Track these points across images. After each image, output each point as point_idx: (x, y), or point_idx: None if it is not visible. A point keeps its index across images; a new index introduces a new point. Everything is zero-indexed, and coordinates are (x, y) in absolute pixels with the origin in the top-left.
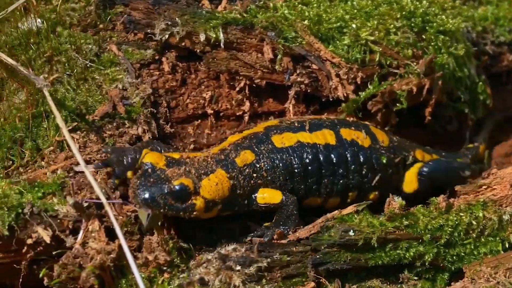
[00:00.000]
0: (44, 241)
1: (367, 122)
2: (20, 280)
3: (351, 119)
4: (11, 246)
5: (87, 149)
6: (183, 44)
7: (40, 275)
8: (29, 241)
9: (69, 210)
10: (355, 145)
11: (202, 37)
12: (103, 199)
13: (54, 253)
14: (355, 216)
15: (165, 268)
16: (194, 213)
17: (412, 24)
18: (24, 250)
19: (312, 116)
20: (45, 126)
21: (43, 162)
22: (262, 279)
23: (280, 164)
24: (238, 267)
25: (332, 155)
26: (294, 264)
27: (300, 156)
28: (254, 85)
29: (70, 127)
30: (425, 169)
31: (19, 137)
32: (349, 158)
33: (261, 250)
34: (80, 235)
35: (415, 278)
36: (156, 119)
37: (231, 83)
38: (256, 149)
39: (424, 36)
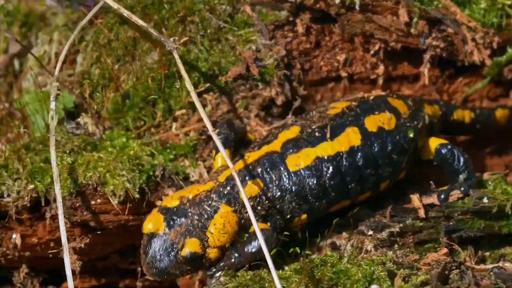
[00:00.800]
0: None
1: (383, 93)
2: None
3: (369, 95)
4: (142, 208)
5: (218, 110)
6: (317, 6)
7: None
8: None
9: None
10: (382, 134)
11: None
12: (230, 165)
13: None
14: (490, 183)
15: None
16: (214, 261)
17: None
18: None
19: (337, 104)
20: (177, 86)
21: (175, 123)
22: (394, 244)
23: (293, 189)
24: (370, 232)
25: (358, 158)
26: (427, 230)
27: (318, 176)
28: (389, 48)
29: (202, 88)
30: (444, 150)
31: (151, 98)
32: (376, 153)
33: (393, 215)
34: None
35: None
36: (290, 81)
37: (366, 46)
38: (266, 176)
39: None
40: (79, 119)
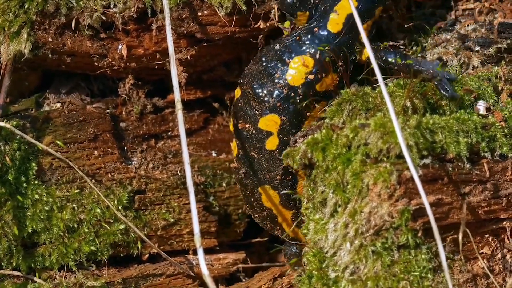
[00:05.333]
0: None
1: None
2: None
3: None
4: (248, 20)
5: None
6: None
7: None
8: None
9: None
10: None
11: None
12: None
13: None
14: None
15: None
16: None
17: None
18: (261, 25)
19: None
20: None
21: None
22: (501, 60)
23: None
24: (477, 48)
25: None
26: None
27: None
28: None
29: None
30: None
31: None
32: None
33: (501, 32)
34: None
35: None
36: None
37: None
38: None
39: None
40: None
